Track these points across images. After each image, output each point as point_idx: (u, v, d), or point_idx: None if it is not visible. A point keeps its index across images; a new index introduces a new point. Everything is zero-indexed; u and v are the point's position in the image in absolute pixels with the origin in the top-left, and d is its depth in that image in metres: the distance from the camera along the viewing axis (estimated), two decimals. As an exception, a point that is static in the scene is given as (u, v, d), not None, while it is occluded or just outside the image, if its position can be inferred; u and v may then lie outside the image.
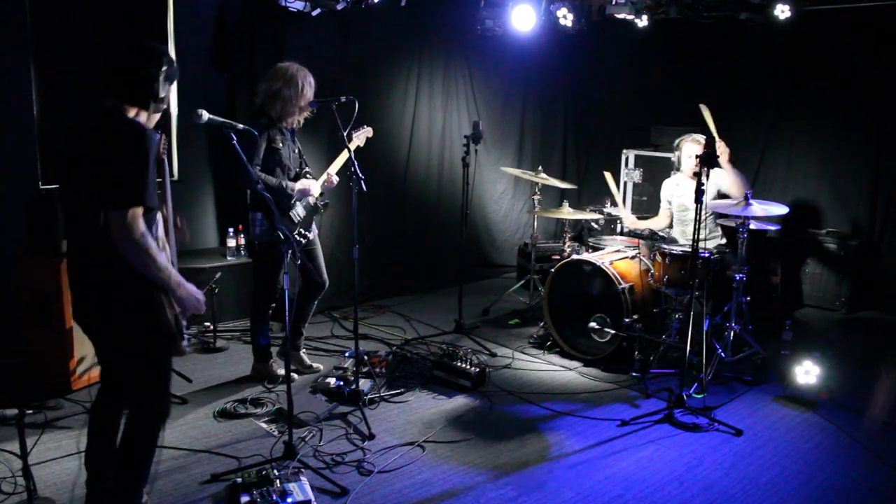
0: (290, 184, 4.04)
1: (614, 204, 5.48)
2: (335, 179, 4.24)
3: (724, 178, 4.88)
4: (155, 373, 2.64)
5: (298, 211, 4.12)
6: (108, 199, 2.34)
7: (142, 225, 2.36)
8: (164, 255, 2.51)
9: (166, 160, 3.37)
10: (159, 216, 2.68)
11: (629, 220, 5.39)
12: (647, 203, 6.64)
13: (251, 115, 4.10)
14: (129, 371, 2.67)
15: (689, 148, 4.97)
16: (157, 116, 2.64)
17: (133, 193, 2.34)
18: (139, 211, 2.35)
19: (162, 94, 2.56)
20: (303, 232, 4.12)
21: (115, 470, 2.67)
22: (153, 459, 2.72)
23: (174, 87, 5.04)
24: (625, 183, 6.91)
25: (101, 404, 2.78)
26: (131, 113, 2.50)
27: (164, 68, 2.53)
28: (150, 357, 2.60)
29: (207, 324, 4.99)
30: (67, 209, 2.56)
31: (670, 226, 5.27)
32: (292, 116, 4.03)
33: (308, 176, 4.19)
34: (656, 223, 5.29)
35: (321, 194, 4.26)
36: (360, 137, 4.41)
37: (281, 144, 4.00)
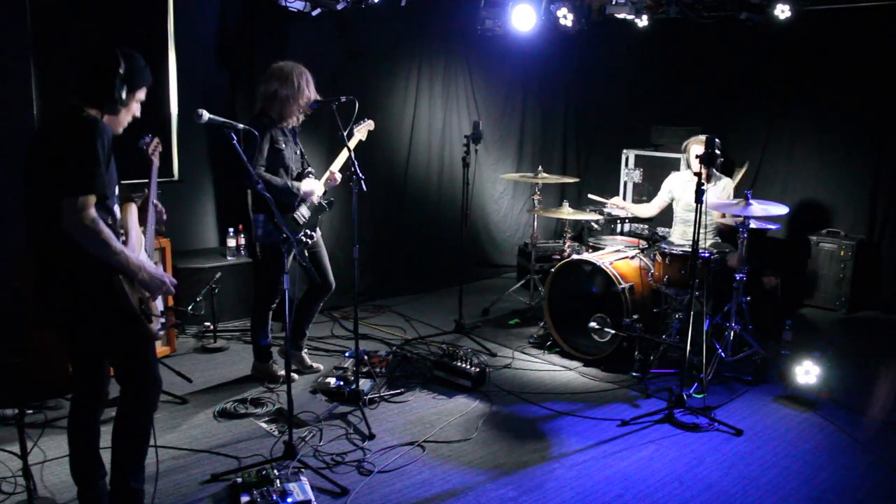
0: (296, 183, 4.03)
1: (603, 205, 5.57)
2: (338, 177, 4.25)
3: (724, 192, 5.02)
4: (133, 359, 2.64)
5: (303, 212, 4.11)
6: (59, 188, 2.39)
7: (92, 212, 2.40)
8: (133, 244, 2.60)
9: (156, 160, 3.36)
10: (119, 208, 2.69)
11: (618, 202, 5.51)
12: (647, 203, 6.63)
13: (253, 118, 4.09)
14: (113, 361, 2.68)
15: (695, 149, 5.00)
16: (121, 118, 2.64)
17: (82, 182, 2.38)
18: (90, 199, 2.40)
19: (119, 96, 2.56)
20: (308, 232, 4.12)
21: (111, 458, 2.68)
22: (147, 446, 2.73)
23: (174, 87, 5.14)
24: (625, 183, 6.92)
25: (79, 408, 2.77)
26: (90, 111, 2.52)
27: (121, 70, 2.54)
28: (123, 344, 2.61)
29: (207, 324, 4.99)
30: (27, 206, 2.58)
31: (651, 219, 5.37)
32: (293, 116, 4.03)
33: (310, 176, 4.19)
34: (643, 210, 5.39)
35: (325, 192, 4.26)
36: (361, 131, 4.40)
37: (284, 145, 4.00)
